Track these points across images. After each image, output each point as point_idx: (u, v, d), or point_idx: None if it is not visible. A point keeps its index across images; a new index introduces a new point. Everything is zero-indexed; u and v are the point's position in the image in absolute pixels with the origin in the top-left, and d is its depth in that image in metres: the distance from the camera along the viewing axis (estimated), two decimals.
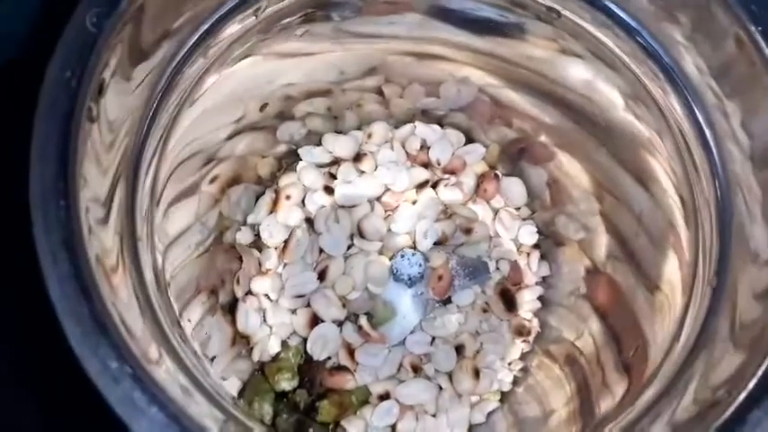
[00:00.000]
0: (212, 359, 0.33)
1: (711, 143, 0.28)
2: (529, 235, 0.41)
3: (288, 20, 0.32)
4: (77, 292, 0.21)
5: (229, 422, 0.24)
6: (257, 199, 0.40)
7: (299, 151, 0.40)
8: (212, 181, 0.35)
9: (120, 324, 0.21)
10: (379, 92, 0.39)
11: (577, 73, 0.33)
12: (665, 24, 0.29)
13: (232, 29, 0.30)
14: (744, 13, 0.25)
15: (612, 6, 0.30)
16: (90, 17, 0.24)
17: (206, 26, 0.29)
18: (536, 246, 0.41)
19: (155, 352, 0.23)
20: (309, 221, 0.39)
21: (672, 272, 0.31)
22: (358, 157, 0.40)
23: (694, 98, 0.29)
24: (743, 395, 0.22)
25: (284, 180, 0.40)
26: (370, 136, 0.41)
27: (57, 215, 0.22)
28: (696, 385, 0.26)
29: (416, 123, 0.41)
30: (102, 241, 0.23)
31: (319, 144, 0.40)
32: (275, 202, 0.39)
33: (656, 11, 0.28)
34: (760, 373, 0.23)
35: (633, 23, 0.30)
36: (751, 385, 0.23)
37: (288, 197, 0.39)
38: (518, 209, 0.41)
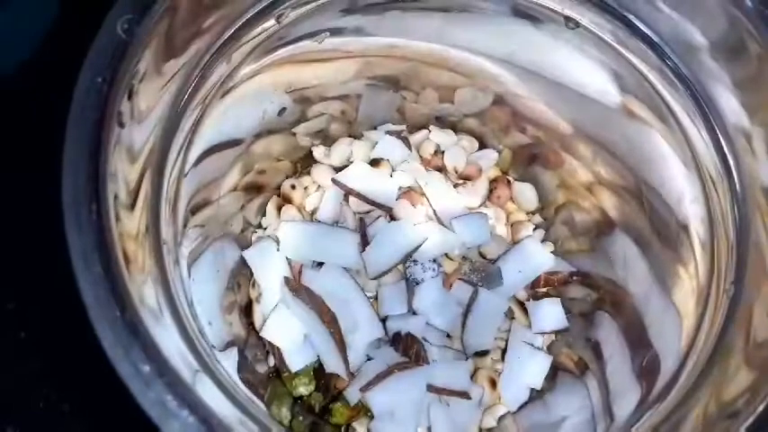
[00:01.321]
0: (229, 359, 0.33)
1: (731, 161, 0.29)
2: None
3: (309, 26, 0.33)
4: (109, 295, 0.21)
5: (251, 422, 0.25)
6: (270, 202, 0.40)
7: (315, 155, 0.40)
8: (231, 187, 0.35)
9: (149, 328, 0.21)
10: (396, 97, 0.39)
11: (596, 84, 0.33)
12: (686, 38, 0.29)
13: (255, 34, 0.31)
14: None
15: (632, 18, 0.30)
16: (121, 24, 0.24)
17: (230, 32, 0.29)
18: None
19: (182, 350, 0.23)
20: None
21: (686, 282, 0.31)
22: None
23: (714, 114, 0.29)
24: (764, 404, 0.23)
25: (299, 183, 0.40)
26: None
27: (88, 218, 0.22)
28: (711, 396, 0.26)
29: (431, 128, 0.41)
30: (130, 239, 0.24)
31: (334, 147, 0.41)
32: (288, 205, 0.40)
33: (677, 23, 0.29)
34: None
35: (654, 37, 0.30)
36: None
37: (301, 200, 0.39)
38: (531, 213, 0.42)
